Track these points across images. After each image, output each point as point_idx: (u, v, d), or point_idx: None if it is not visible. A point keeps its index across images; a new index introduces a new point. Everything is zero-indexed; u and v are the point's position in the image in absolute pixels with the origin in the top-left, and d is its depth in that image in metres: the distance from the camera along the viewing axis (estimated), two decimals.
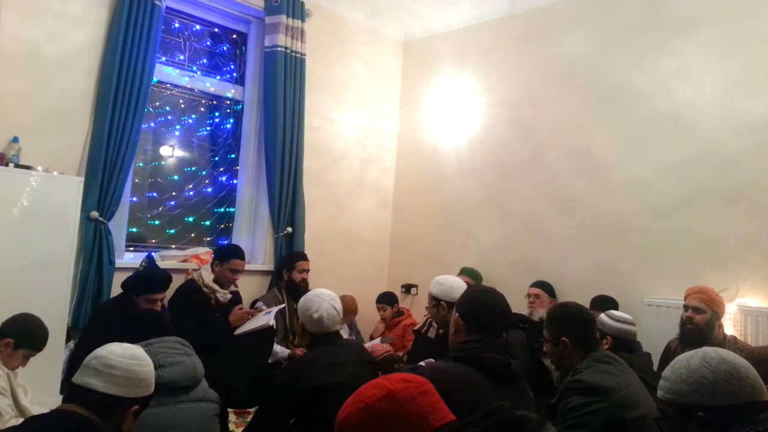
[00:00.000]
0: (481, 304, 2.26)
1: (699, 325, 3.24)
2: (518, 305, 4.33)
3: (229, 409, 3.48)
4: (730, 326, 3.60)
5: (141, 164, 4.46)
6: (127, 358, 1.74)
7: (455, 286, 3.48)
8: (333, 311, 2.53)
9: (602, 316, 3.14)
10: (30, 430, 1.64)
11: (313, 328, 2.53)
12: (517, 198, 4.91)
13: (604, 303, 3.89)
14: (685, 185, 4.01)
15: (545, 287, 4.35)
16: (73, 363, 3.29)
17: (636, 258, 4.19)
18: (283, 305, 4.14)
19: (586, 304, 3.65)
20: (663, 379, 1.55)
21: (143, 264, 3.89)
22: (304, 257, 4.58)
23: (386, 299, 5.03)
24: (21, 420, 2.38)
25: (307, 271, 4.49)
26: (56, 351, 3.23)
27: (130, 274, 3.64)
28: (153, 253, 4.07)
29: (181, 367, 2.18)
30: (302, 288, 4.37)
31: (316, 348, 2.56)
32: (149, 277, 3.56)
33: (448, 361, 2.12)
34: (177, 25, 4.65)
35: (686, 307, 3.33)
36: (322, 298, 2.55)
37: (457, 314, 2.30)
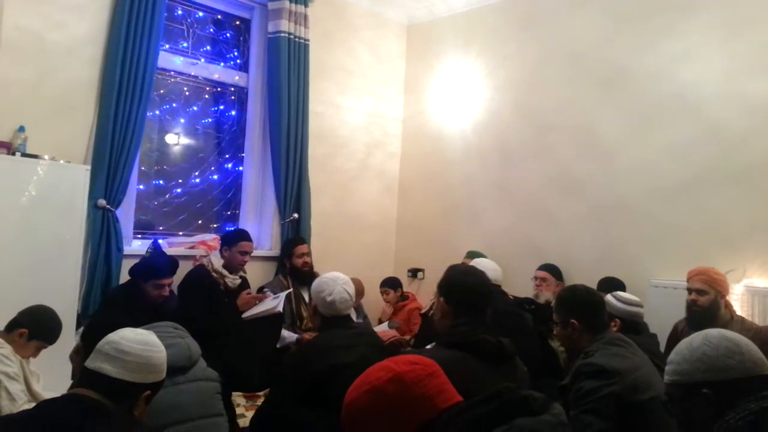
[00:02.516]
0: (464, 285, 2.22)
1: (704, 306, 3.24)
2: (525, 288, 4.35)
3: (238, 393, 3.53)
4: (737, 306, 3.60)
5: (147, 152, 4.47)
6: (140, 344, 1.75)
7: (493, 268, 3.52)
8: (345, 295, 2.56)
9: (609, 298, 3.12)
10: (43, 412, 1.66)
11: (325, 310, 2.55)
12: (523, 181, 4.90)
13: (611, 285, 3.89)
14: (691, 167, 4.00)
15: (552, 270, 4.36)
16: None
17: (642, 240, 4.19)
18: (290, 290, 4.16)
19: (594, 286, 3.65)
20: (668, 363, 1.57)
21: (149, 250, 3.92)
22: (300, 241, 4.59)
23: (389, 283, 5.06)
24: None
25: (307, 253, 4.48)
26: (67, 338, 3.24)
27: (138, 261, 3.67)
28: (158, 239, 4.10)
29: (175, 349, 2.20)
30: (306, 272, 4.38)
31: (326, 330, 2.58)
32: (156, 263, 3.58)
33: (439, 347, 2.09)
34: (180, 12, 4.63)
35: (689, 290, 3.34)
36: (336, 281, 2.58)
37: (441, 298, 2.25)
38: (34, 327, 2.70)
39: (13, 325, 2.69)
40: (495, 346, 2.04)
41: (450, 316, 2.20)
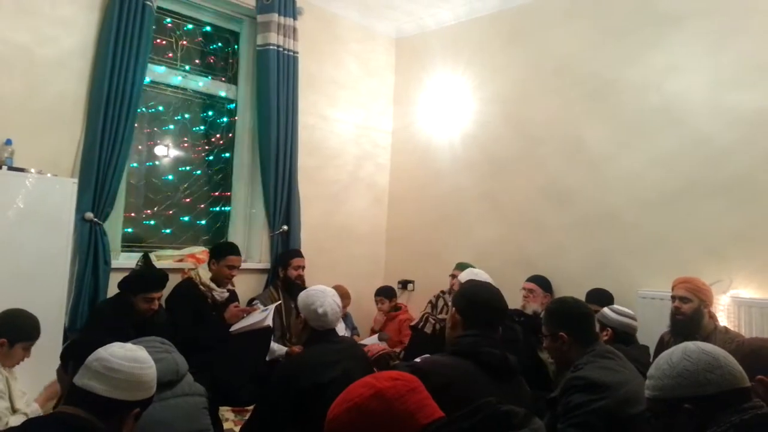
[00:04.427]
0: (478, 299, 2.26)
1: (687, 314, 3.28)
2: (514, 299, 4.35)
3: (227, 407, 3.51)
4: (723, 317, 3.62)
5: (135, 165, 4.46)
6: (129, 360, 1.73)
7: (486, 280, 3.53)
8: (336, 307, 2.58)
9: (605, 310, 3.21)
10: (30, 431, 1.64)
11: (316, 323, 2.55)
12: (512, 192, 4.93)
13: (600, 296, 3.92)
14: (677, 177, 4.03)
15: (540, 282, 4.37)
16: None
17: (630, 251, 4.21)
18: (279, 302, 4.15)
19: (582, 297, 3.68)
20: (648, 378, 1.58)
21: (139, 263, 3.90)
22: (298, 254, 4.60)
23: (385, 292, 5.08)
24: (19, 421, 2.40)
25: (303, 267, 4.49)
26: (54, 352, 3.20)
27: (126, 274, 3.65)
28: (149, 252, 4.08)
29: (162, 364, 2.19)
30: (298, 285, 4.38)
31: (314, 344, 2.58)
32: (146, 276, 3.57)
33: (446, 354, 2.12)
34: (169, 24, 4.64)
35: (673, 298, 3.38)
36: (326, 293, 2.59)
37: (454, 309, 2.30)
38: (11, 332, 2.66)
39: None
40: (499, 360, 2.06)
41: (460, 327, 2.23)
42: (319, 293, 2.58)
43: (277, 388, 2.42)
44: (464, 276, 3.74)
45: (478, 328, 2.18)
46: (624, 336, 3.11)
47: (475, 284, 2.44)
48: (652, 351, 3.37)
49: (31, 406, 2.64)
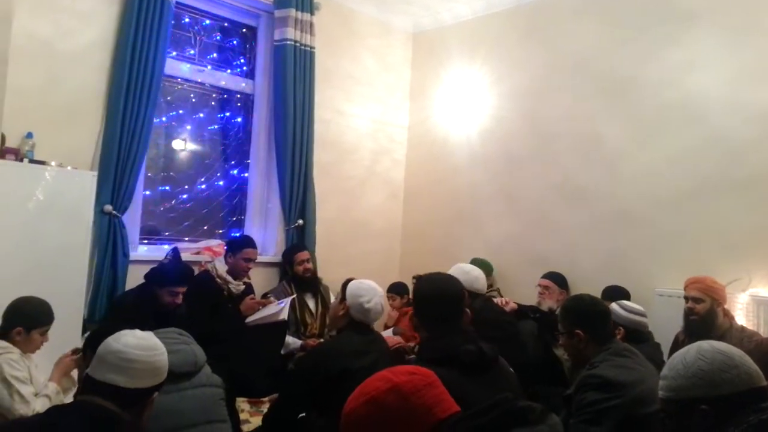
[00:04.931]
0: (432, 296, 2.19)
1: (701, 314, 3.25)
2: (529, 296, 4.35)
3: (243, 399, 3.54)
4: (742, 316, 3.59)
5: (153, 158, 4.50)
6: (143, 349, 1.75)
7: (479, 277, 3.50)
8: (379, 308, 2.61)
9: (614, 306, 3.14)
10: (52, 418, 1.66)
11: (358, 315, 2.57)
12: (528, 189, 4.91)
13: (616, 294, 3.88)
14: (695, 175, 3.99)
15: (556, 278, 4.34)
16: None
17: (647, 248, 4.18)
18: (293, 296, 4.17)
19: (598, 294, 3.66)
20: (662, 378, 1.56)
21: (168, 256, 3.93)
22: (300, 249, 4.57)
23: (396, 289, 5.07)
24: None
25: (308, 260, 4.45)
26: (73, 344, 3.26)
27: (144, 266, 3.69)
28: (177, 246, 4.11)
29: (180, 355, 2.21)
30: (308, 279, 4.38)
31: (345, 334, 2.60)
32: (174, 271, 3.60)
33: (421, 364, 2.02)
34: (187, 19, 4.67)
35: (686, 299, 3.34)
36: (377, 292, 2.62)
37: (412, 311, 2.23)
38: (25, 320, 2.68)
39: (5, 330, 2.68)
40: (475, 355, 1.98)
41: (424, 329, 2.18)
42: (371, 289, 2.62)
43: (303, 373, 2.45)
44: (451, 271, 3.64)
45: (443, 326, 2.10)
46: (635, 334, 3.06)
47: (424, 281, 2.31)
48: (667, 349, 3.34)
49: (48, 387, 2.67)
